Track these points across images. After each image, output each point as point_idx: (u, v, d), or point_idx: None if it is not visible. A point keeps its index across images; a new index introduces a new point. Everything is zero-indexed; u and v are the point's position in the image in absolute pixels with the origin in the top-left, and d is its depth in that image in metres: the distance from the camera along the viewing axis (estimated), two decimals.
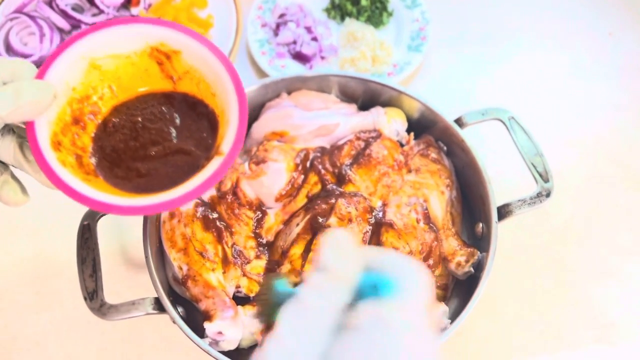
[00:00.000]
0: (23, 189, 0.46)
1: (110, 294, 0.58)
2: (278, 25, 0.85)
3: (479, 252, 0.62)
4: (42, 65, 0.45)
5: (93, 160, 0.48)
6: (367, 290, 0.33)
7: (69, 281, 0.64)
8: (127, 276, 0.69)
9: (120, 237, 0.70)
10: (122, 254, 0.69)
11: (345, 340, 0.30)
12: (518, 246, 0.70)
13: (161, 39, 0.48)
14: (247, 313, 0.59)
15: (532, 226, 0.71)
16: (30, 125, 0.43)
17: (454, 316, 0.58)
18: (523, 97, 0.81)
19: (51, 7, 0.83)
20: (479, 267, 0.62)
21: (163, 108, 0.51)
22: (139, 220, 0.61)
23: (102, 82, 0.49)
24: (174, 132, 0.50)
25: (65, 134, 0.46)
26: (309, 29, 0.84)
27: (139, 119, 0.50)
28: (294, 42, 0.83)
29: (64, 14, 0.82)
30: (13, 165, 0.46)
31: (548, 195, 0.60)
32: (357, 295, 0.32)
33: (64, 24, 0.83)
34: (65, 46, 0.46)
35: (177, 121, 0.51)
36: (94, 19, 0.83)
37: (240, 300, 0.61)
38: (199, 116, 0.51)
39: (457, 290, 0.65)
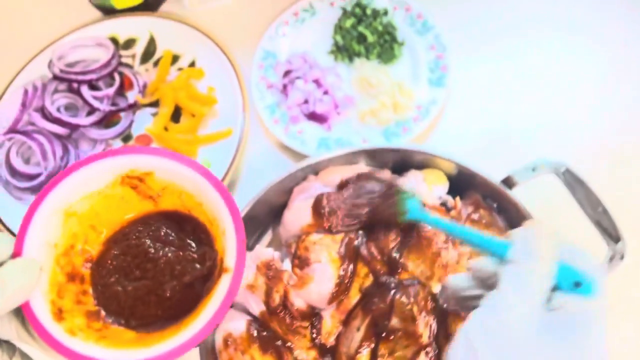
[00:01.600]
0: None
1: None
2: (285, 86, 0.78)
3: None
4: (17, 236, 0.42)
5: (100, 309, 0.47)
6: (568, 284, 0.35)
7: None
8: None
9: None
10: None
11: (554, 319, 0.33)
12: None
13: (129, 167, 0.46)
14: None
15: None
16: (25, 306, 0.41)
17: None
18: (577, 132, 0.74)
19: (44, 115, 0.77)
20: None
21: (151, 233, 0.50)
22: (195, 357, 0.58)
23: (82, 226, 0.47)
24: (170, 254, 0.49)
25: (63, 296, 0.44)
26: (318, 82, 0.78)
27: (133, 250, 0.48)
28: (306, 102, 0.77)
29: (58, 121, 0.77)
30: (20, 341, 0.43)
31: (622, 257, 0.55)
32: (557, 286, 0.35)
33: (61, 130, 0.77)
34: (35, 206, 0.44)
35: (169, 242, 0.50)
36: (90, 119, 0.78)
37: None
38: (188, 232, 0.50)
39: None
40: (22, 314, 0.42)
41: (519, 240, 0.36)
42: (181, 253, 0.49)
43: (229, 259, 0.44)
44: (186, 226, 0.50)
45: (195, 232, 0.50)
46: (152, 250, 0.48)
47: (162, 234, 0.49)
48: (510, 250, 0.36)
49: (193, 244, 0.50)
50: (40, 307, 0.42)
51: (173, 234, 0.49)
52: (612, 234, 0.56)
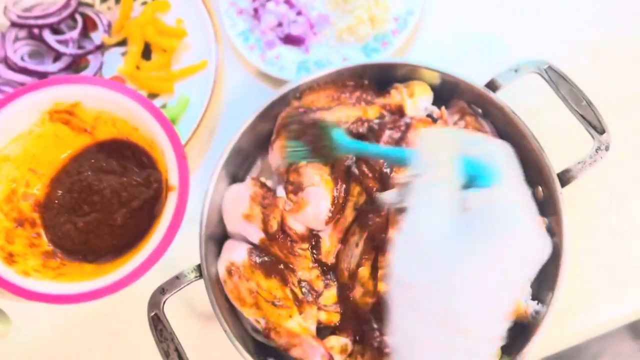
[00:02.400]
0: (2, 314, 0.44)
1: None
2: (256, 10, 0.75)
3: (546, 219, 0.60)
4: None
5: (55, 249, 0.48)
6: (470, 180, 0.36)
7: None
8: (210, 345, 0.68)
9: (190, 311, 0.69)
10: (199, 325, 0.69)
11: (467, 219, 0.34)
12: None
13: (53, 100, 0.45)
14: (335, 347, 0.59)
15: None
16: None
17: (538, 296, 0.58)
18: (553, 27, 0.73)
19: (8, 66, 0.74)
20: (549, 233, 0.60)
21: (92, 165, 0.50)
22: (201, 288, 0.59)
23: (20, 170, 0.46)
24: (114, 182, 0.49)
25: (13, 241, 0.44)
26: (289, 3, 0.75)
27: (77, 186, 0.48)
28: (280, 25, 0.75)
29: (25, 71, 0.74)
30: None
31: (607, 148, 0.56)
32: (464, 186, 0.36)
33: (29, 80, 0.74)
34: None
35: (112, 171, 0.50)
36: (58, 65, 0.74)
37: (321, 330, 0.61)
38: (129, 158, 0.50)
39: None
40: None
41: (418, 151, 0.36)
42: (125, 179, 0.48)
43: (172, 177, 0.45)
44: (126, 152, 0.50)
45: (136, 157, 0.50)
46: (97, 183, 0.48)
47: (104, 164, 0.49)
48: (413, 163, 0.36)
49: (136, 169, 0.49)
50: None
51: (114, 162, 0.49)
52: (596, 126, 0.57)
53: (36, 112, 0.45)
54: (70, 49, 0.75)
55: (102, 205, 0.48)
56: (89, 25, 0.78)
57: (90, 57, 0.76)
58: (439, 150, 0.35)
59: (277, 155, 0.66)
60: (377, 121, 0.63)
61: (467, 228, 0.34)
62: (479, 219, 0.34)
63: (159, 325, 0.58)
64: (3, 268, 0.43)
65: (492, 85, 0.61)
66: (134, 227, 0.48)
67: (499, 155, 0.36)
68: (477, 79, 0.61)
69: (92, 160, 0.49)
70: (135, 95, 0.43)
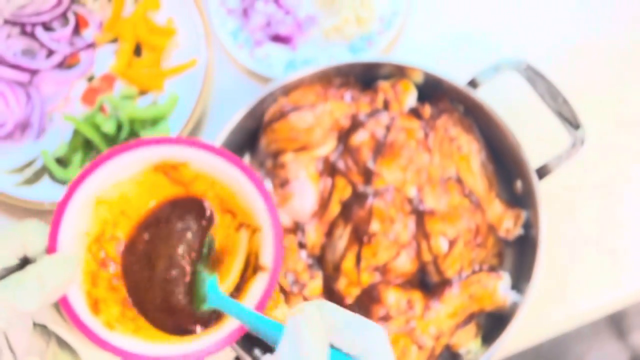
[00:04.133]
0: (75, 356, 0.42)
1: None
2: (245, 9, 0.77)
3: (524, 212, 0.62)
4: (51, 229, 0.40)
5: (130, 297, 0.45)
6: None
7: None
8: None
9: None
10: None
11: None
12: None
13: (164, 158, 0.44)
14: None
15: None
16: (62, 301, 0.39)
17: (517, 286, 0.60)
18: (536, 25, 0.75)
19: (1, 62, 0.75)
20: (527, 226, 0.62)
21: (179, 224, 0.47)
22: None
23: (112, 212, 0.45)
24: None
25: (97, 284, 0.43)
26: (278, 3, 0.77)
27: (158, 243, 0.46)
28: (268, 24, 0.76)
29: (17, 67, 0.75)
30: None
31: (582, 143, 0.58)
32: None
33: (21, 76, 0.76)
34: (67, 198, 0.41)
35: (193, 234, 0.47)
36: (50, 62, 0.76)
37: None
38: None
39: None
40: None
41: (286, 333, 0.32)
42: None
43: (266, 257, 0.42)
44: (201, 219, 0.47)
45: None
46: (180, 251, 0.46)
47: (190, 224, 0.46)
48: (279, 345, 0.32)
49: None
50: (77, 300, 0.40)
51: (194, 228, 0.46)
52: (572, 122, 0.59)
53: (145, 164, 0.44)
54: (63, 47, 0.77)
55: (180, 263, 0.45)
56: (81, 23, 0.79)
57: (81, 54, 0.78)
58: (307, 338, 0.31)
59: (263, 151, 0.67)
60: (363, 115, 0.65)
61: None
62: None
63: None
64: (90, 318, 0.40)
65: (473, 83, 0.63)
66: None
67: (371, 347, 0.33)
68: (459, 77, 0.63)
69: (179, 215, 0.46)
70: (243, 165, 0.42)
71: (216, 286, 0.43)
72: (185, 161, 0.44)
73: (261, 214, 0.42)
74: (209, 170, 0.44)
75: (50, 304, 0.39)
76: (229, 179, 0.44)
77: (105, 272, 0.44)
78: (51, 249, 0.40)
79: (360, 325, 0.33)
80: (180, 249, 0.46)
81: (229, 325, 0.41)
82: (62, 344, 0.42)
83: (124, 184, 0.44)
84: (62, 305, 0.39)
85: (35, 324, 0.40)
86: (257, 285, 0.42)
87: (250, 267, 0.44)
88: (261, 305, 0.41)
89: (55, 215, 0.41)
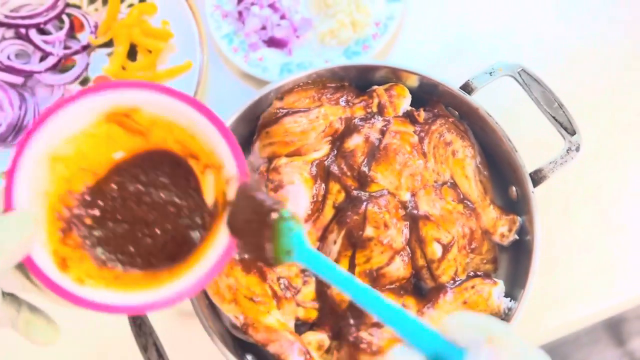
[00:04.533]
0: (50, 322, 0.41)
1: None
2: (240, 13, 0.77)
3: (519, 218, 0.62)
4: (5, 189, 0.39)
5: (101, 252, 0.44)
6: None
7: None
8: (189, 341, 0.68)
9: None
10: (178, 321, 0.69)
11: None
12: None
13: (112, 104, 0.42)
14: (312, 342, 0.60)
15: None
16: (27, 261, 0.39)
17: (511, 291, 0.60)
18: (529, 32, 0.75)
19: None
20: (522, 231, 0.62)
21: (144, 176, 0.47)
22: None
23: (71, 170, 0.44)
24: (169, 197, 0.46)
25: (67, 244, 0.42)
26: (273, 7, 0.76)
27: (128, 193, 0.45)
28: (264, 28, 0.76)
29: (11, 69, 0.75)
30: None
31: (578, 149, 0.58)
32: None
33: (15, 79, 0.75)
34: (18, 155, 0.40)
35: (166, 184, 0.46)
36: (44, 65, 0.75)
37: (299, 327, 0.62)
38: (184, 173, 0.46)
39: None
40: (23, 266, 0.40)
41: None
42: (179, 201, 0.45)
43: (231, 192, 0.41)
44: (178, 171, 0.47)
45: (186, 179, 0.47)
46: (149, 199, 0.45)
47: (158, 182, 0.46)
48: None
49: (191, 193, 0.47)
50: (43, 259, 0.40)
51: (168, 182, 0.46)
52: (567, 128, 0.59)
53: (93, 115, 0.43)
54: (57, 49, 0.76)
55: (151, 215, 0.45)
56: (76, 26, 0.79)
57: (76, 57, 0.77)
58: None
59: (257, 155, 0.67)
60: (357, 119, 0.65)
61: None
62: None
63: (137, 319, 0.59)
64: (59, 275, 0.39)
65: (467, 88, 0.62)
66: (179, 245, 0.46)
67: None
68: (454, 82, 0.63)
69: (145, 177, 0.46)
70: (200, 105, 0.42)
71: (303, 240, 0.39)
72: (136, 106, 0.43)
73: (221, 149, 0.41)
74: (162, 114, 0.43)
75: (13, 265, 0.38)
76: (186, 120, 0.43)
77: (76, 229, 0.43)
78: (7, 209, 0.39)
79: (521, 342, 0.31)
80: (162, 194, 0.45)
81: (200, 268, 0.40)
82: (34, 309, 0.42)
83: (77, 138, 0.43)
84: (27, 265, 0.39)
85: (4, 294, 0.39)
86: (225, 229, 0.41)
87: (220, 206, 0.43)
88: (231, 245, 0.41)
89: (7, 175, 0.40)
